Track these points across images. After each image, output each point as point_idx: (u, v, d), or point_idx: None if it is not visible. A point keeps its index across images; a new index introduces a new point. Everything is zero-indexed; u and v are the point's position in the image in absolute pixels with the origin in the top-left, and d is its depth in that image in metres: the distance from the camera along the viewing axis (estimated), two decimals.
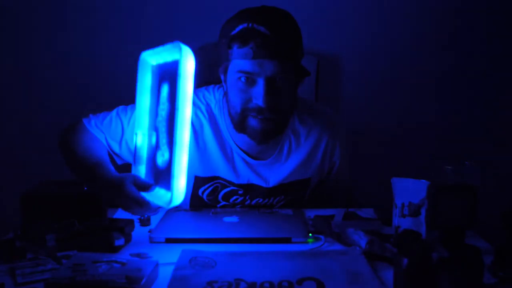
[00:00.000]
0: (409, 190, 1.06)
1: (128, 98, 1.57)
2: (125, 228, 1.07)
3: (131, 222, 1.13)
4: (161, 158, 1.06)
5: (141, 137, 1.12)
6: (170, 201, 1.00)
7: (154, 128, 1.09)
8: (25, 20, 1.78)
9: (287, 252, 1.00)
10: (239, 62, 1.11)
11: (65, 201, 1.17)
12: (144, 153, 1.13)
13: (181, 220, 1.20)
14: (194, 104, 1.26)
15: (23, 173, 1.76)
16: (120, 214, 1.28)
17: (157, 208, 1.04)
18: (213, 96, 1.29)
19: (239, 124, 1.18)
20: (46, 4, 1.77)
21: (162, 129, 1.06)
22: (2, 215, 1.40)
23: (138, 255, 1.00)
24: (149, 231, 1.12)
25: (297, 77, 1.17)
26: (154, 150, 1.09)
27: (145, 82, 1.13)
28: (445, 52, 1.82)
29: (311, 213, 1.23)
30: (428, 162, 1.64)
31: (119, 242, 1.03)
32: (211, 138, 1.27)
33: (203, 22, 1.72)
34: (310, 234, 1.09)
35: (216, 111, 1.27)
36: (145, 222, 1.19)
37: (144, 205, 1.02)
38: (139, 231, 1.15)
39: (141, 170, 1.13)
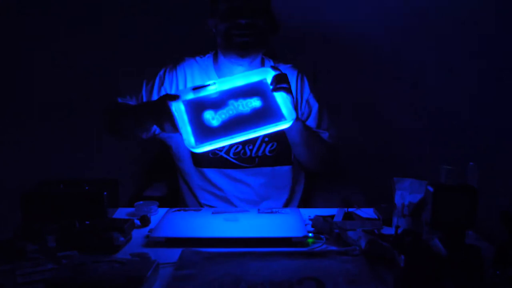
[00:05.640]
0: (409, 190, 1.06)
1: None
2: (125, 228, 1.07)
3: (131, 222, 1.13)
4: (211, 119, 1.27)
5: (215, 87, 1.32)
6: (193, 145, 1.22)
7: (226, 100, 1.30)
8: (26, 20, 1.78)
9: (287, 252, 1.00)
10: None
11: (65, 200, 1.18)
12: (201, 100, 1.30)
13: (181, 220, 1.20)
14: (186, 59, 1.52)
15: (23, 173, 1.76)
16: (120, 214, 1.28)
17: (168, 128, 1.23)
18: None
19: (227, 41, 1.39)
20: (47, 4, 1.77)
21: (231, 107, 1.28)
22: (2, 215, 1.40)
23: (138, 255, 1.00)
24: (149, 231, 1.12)
25: (268, 10, 1.43)
26: (208, 107, 1.29)
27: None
28: (444, 51, 1.82)
29: (311, 213, 1.23)
30: (428, 162, 1.64)
31: (119, 242, 1.04)
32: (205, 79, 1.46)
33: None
34: (310, 234, 1.09)
35: (208, 59, 1.51)
36: (145, 222, 1.19)
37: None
38: (139, 231, 1.15)
39: (181, 108, 1.29)
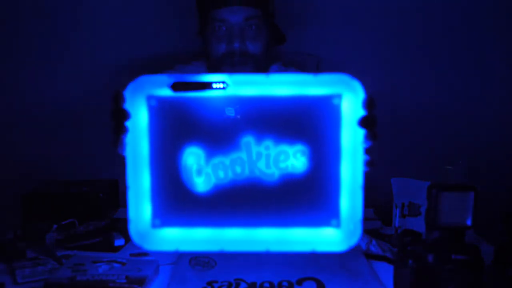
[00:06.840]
0: (409, 190, 1.06)
1: None
2: (125, 228, 1.07)
3: None
4: (195, 170, 0.70)
5: (221, 90, 0.68)
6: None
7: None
8: (21, 20, 1.78)
9: (287, 252, 1.00)
10: (215, 12, 1.17)
11: (65, 201, 1.18)
12: (185, 116, 0.69)
13: None
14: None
15: (23, 173, 1.76)
16: (121, 214, 1.28)
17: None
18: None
19: (217, 68, 1.21)
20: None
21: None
22: (2, 215, 1.40)
23: (138, 255, 1.00)
24: None
25: (268, 26, 1.22)
26: (197, 138, 0.69)
27: None
28: (444, 50, 1.82)
29: None
30: (428, 162, 1.64)
31: (119, 242, 1.04)
32: None
33: None
34: None
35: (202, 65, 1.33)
36: None
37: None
38: None
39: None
